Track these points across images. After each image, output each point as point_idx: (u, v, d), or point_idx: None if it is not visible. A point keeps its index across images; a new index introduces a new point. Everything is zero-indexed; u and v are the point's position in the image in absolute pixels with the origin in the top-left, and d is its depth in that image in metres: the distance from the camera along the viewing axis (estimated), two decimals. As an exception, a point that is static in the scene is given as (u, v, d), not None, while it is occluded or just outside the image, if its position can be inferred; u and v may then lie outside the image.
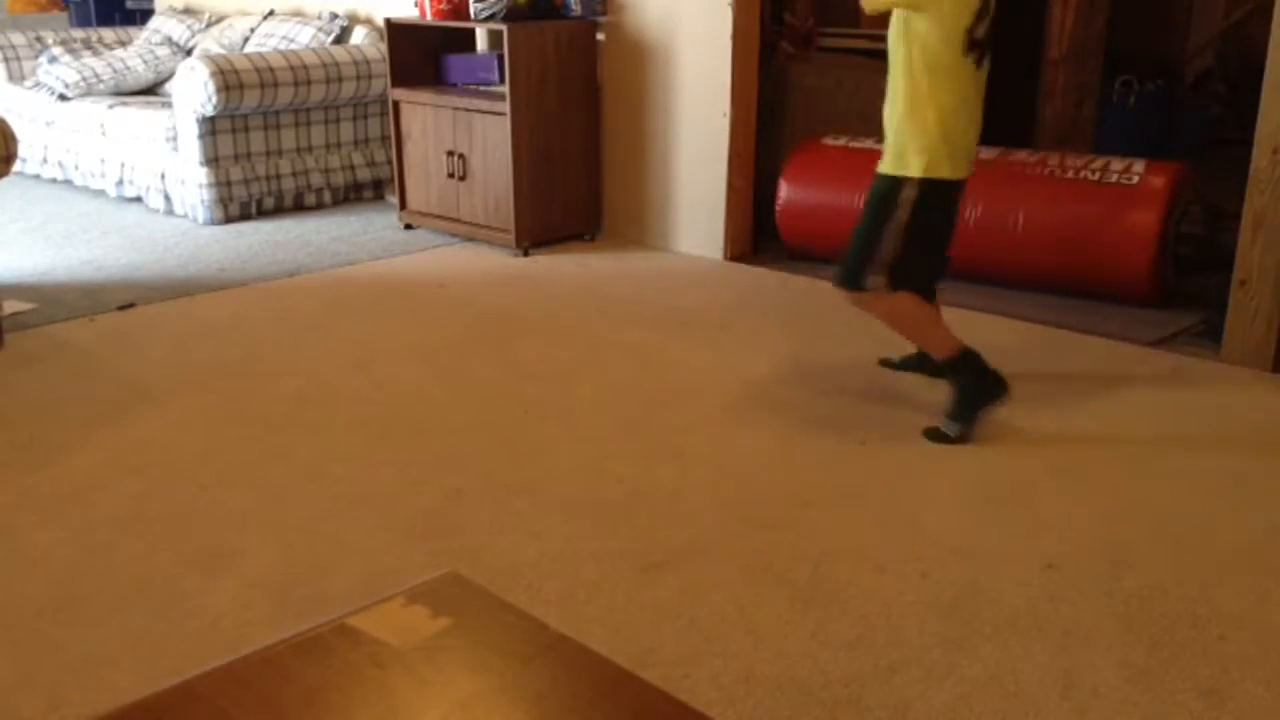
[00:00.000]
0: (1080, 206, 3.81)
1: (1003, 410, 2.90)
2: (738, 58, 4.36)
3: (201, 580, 2.24)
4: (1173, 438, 2.89)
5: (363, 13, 5.69)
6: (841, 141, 4.43)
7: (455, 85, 4.86)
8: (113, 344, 3.60)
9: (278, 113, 5.16)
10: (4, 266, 4.43)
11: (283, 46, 5.47)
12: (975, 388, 2.88)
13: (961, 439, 2.83)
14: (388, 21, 4.83)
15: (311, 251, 4.67)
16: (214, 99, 4.81)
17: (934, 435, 2.86)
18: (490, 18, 4.48)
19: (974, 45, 2.71)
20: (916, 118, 2.74)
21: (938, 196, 2.81)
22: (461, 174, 4.71)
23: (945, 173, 2.78)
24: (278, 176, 5.24)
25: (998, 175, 4.00)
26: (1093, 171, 3.85)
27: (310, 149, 5.34)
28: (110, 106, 5.44)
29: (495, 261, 4.54)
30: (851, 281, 2.88)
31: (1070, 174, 3.87)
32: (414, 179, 4.94)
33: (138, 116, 5.25)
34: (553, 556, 2.32)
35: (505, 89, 4.44)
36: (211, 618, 2.11)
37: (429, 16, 4.68)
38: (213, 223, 5.05)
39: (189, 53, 5.91)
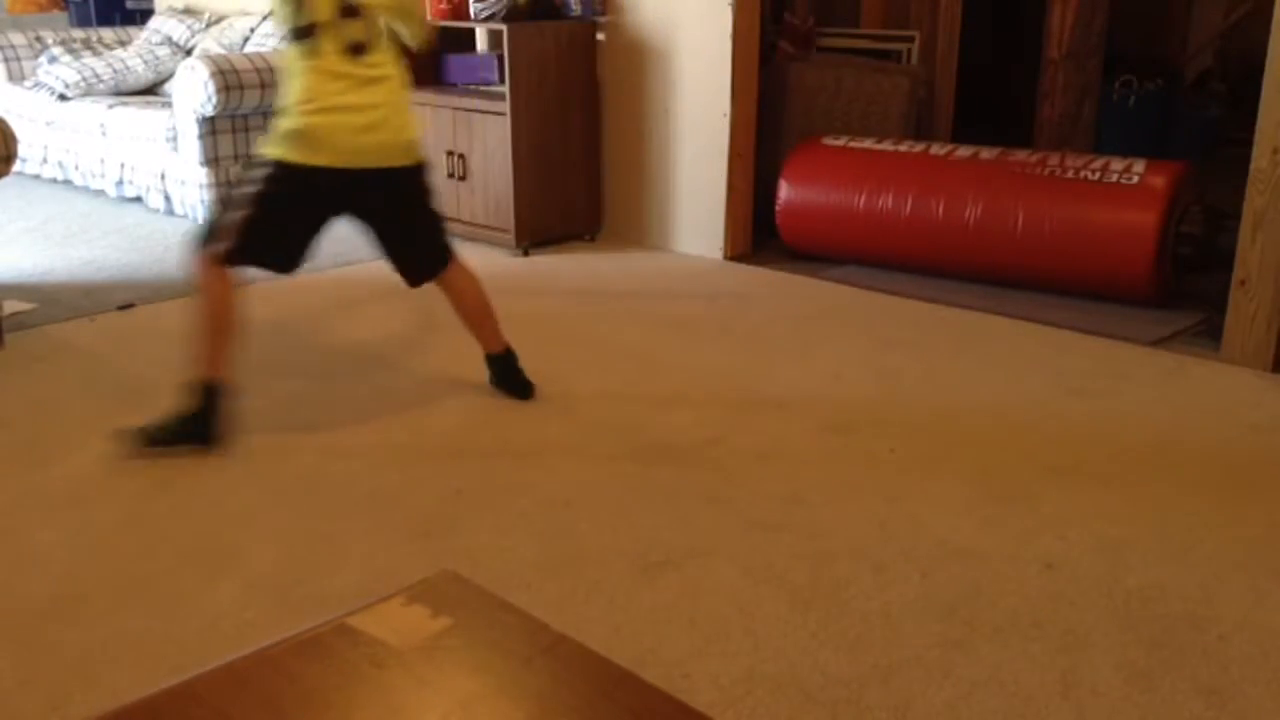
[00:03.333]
0: (1080, 206, 3.81)
1: (1008, 411, 2.89)
2: (738, 58, 4.36)
3: (201, 580, 2.24)
4: (1172, 438, 2.89)
5: (363, 13, 5.68)
6: (841, 141, 4.43)
7: (455, 85, 4.86)
8: (113, 344, 3.60)
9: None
10: (4, 266, 4.43)
11: (283, 46, 5.46)
12: (193, 419, 2.76)
13: (135, 445, 2.73)
14: (388, 21, 4.82)
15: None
16: (214, 99, 4.81)
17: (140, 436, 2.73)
18: (490, 18, 4.48)
19: (300, 34, 2.67)
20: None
21: (285, 177, 2.80)
22: (461, 174, 4.71)
23: (285, 154, 2.79)
24: (278, 176, 5.24)
25: (998, 175, 4.00)
26: (1093, 171, 3.85)
27: (310, 149, 5.33)
28: (110, 106, 5.43)
29: (495, 261, 4.54)
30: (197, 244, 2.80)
31: (1070, 174, 3.87)
32: (414, 179, 4.93)
33: (138, 116, 5.24)
34: (553, 556, 2.32)
35: (505, 89, 4.44)
36: (211, 618, 2.11)
37: (429, 16, 4.68)
38: (213, 223, 5.05)
39: (189, 53, 5.91)
